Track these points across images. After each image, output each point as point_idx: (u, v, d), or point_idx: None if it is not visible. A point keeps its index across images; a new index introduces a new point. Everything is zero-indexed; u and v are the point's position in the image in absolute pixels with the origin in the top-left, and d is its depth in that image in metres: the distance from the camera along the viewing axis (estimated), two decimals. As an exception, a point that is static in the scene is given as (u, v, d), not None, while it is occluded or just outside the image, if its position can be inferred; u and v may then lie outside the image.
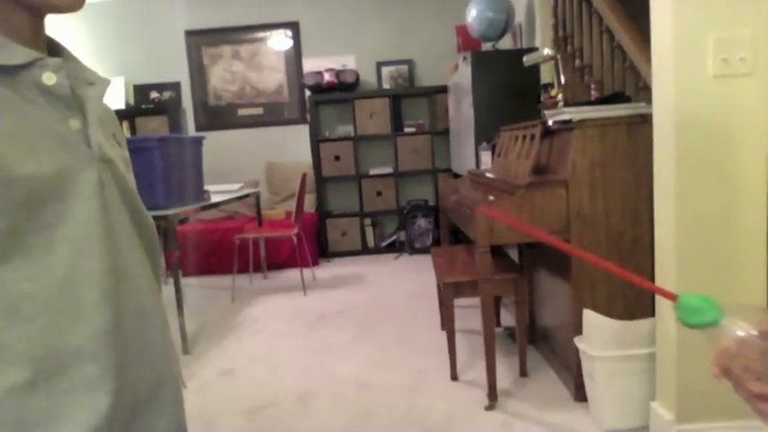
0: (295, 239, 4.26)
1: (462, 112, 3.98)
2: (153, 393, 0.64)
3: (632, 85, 2.39)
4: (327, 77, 5.30)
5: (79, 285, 0.56)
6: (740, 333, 0.58)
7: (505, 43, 4.25)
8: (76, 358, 0.55)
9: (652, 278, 1.90)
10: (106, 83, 0.64)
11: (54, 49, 0.63)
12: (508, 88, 3.55)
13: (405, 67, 5.58)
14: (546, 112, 2.33)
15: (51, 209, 0.54)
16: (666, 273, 1.80)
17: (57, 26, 5.56)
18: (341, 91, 5.38)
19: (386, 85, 5.57)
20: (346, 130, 5.53)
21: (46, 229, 0.54)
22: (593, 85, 2.54)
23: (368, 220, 5.53)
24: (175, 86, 5.70)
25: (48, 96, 0.56)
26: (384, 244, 5.56)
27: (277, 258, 5.03)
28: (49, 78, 0.56)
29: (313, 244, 5.16)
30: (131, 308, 0.61)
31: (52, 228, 0.54)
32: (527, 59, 2.85)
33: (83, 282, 0.56)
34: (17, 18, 0.56)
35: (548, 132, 2.34)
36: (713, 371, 0.59)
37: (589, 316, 2.04)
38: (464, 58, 3.80)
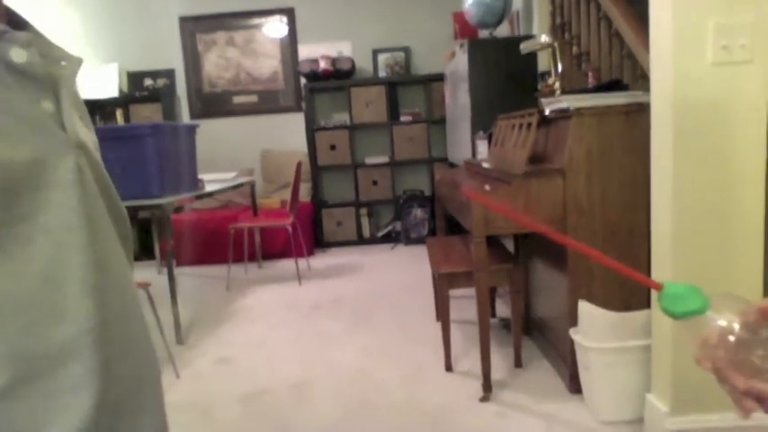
0: (290, 229, 4.23)
1: (459, 100, 3.94)
2: (137, 390, 0.61)
3: (630, 73, 2.35)
4: (323, 65, 5.24)
5: (60, 280, 0.52)
6: (722, 323, 0.56)
7: (503, 30, 4.20)
8: (59, 359, 0.51)
9: (648, 267, 1.88)
10: (78, 61, 0.59)
11: (17, 23, 0.57)
12: (505, 76, 3.51)
13: (401, 55, 5.53)
14: (543, 100, 2.30)
15: (28, 199, 0.50)
16: (662, 261, 1.78)
17: (48, 13, 5.49)
18: (336, 78, 5.33)
19: (382, 73, 5.52)
20: (342, 118, 5.48)
21: (23, 222, 0.50)
22: (590, 73, 2.51)
23: (363, 210, 5.50)
24: (169, 73, 5.64)
25: (17, 75, 0.51)
26: (380, 234, 5.53)
27: (272, 248, 5.00)
28: (18, 55, 0.51)
29: (308, 233, 5.13)
30: (114, 302, 0.57)
31: (29, 219, 0.50)
32: (524, 47, 2.82)
33: (64, 276, 0.52)
34: None
35: (545, 121, 2.32)
36: (703, 364, 0.57)
37: (585, 307, 2.03)
38: (461, 46, 3.76)
